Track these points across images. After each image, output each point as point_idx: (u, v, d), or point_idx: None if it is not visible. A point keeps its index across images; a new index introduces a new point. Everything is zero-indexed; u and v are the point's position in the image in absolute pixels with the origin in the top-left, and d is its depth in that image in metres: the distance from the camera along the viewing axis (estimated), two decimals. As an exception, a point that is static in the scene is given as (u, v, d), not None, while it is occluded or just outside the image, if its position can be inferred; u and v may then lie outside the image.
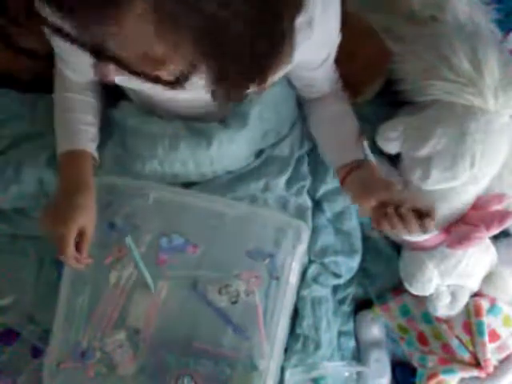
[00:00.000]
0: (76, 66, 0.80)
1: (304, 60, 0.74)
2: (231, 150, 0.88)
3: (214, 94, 0.59)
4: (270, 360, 0.87)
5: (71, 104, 0.85)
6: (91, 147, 0.85)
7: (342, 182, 0.83)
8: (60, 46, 0.75)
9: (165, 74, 0.53)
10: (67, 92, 0.85)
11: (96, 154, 0.86)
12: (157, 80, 0.53)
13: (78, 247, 0.79)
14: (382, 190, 0.74)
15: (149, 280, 0.87)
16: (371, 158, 0.81)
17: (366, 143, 0.82)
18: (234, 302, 0.87)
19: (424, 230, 0.71)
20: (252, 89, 0.58)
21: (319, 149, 0.92)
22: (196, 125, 0.87)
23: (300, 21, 0.62)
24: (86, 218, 0.79)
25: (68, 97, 0.85)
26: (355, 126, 0.87)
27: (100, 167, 0.89)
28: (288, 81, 0.90)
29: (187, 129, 0.87)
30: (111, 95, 0.92)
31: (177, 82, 0.54)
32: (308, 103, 0.92)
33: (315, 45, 0.70)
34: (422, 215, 0.71)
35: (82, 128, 0.84)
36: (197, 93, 0.71)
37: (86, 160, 0.83)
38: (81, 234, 0.79)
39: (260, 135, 0.91)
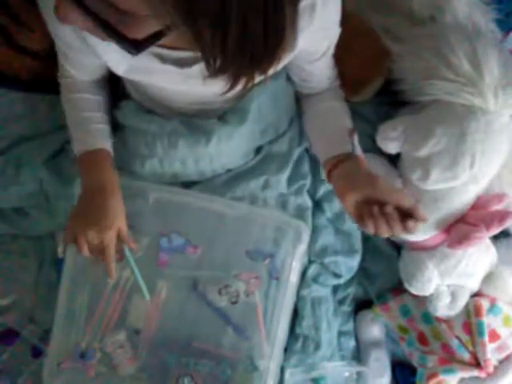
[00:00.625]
0: (78, 63, 0.79)
1: (305, 50, 0.74)
2: (230, 146, 0.88)
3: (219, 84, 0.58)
4: (270, 360, 0.87)
5: (79, 104, 0.84)
6: (107, 145, 0.83)
7: (328, 175, 0.81)
8: (64, 41, 0.73)
9: (131, 30, 0.49)
10: (73, 93, 0.84)
11: (112, 152, 0.85)
12: (120, 35, 0.48)
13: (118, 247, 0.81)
14: (366, 185, 0.72)
15: (144, 288, 0.86)
16: (359, 152, 0.79)
17: (356, 138, 0.80)
18: (234, 303, 0.87)
19: (407, 232, 0.69)
20: (256, 77, 0.57)
21: (312, 145, 0.91)
22: (195, 122, 0.87)
23: (303, 4, 0.63)
24: (120, 220, 0.79)
25: (75, 97, 0.84)
26: (347, 122, 0.85)
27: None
28: (287, 76, 0.90)
29: (186, 126, 0.86)
30: (112, 95, 0.92)
31: (144, 41, 0.50)
32: (305, 99, 0.92)
33: (316, 33, 0.69)
34: (406, 215, 0.69)
35: (94, 127, 0.83)
36: (199, 86, 0.70)
37: (104, 159, 0.82)
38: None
39: (259, 131, 0.91)
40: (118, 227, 0.79)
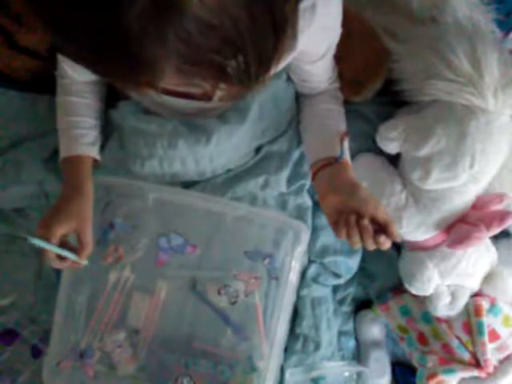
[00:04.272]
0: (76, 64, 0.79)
1: (305, 51, 0.74)
2: (230, 146, 0.88)
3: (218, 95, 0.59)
4: (270, 360, 0.87)
5: (72, 107, 0.84)
6: (90, 151, 0.84)
7: (313, 177, 0.82)
8: None
9: (193, 90, 0.54)
10: (68, 95, 0.84)
11: (98, 156, 0.86)
12: (187, 96, 0.53)
13: (77, 252, 0.78)
14: (346, 191, 0.73)
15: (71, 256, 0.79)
16: (347, 157, 0.80)
17: (347, 143, 0.81)
18: (234, 303, 0.87)
19: (378, 247, 0.69)
20: (256, 81, 0.57)
21: (303, 144, 0.91)
22: (195, 121, 0.86)
23: (304, 5, 0.63)
24: (75, 224, 0.77)
25: (69, 100, 0.84)
26: (341, 126, 0.85)
27: (100, 167, 0.89)
28: (287, 76, 0.89)
29: (186, 126, 0.86)
30: (110, 95, 0.92)
31: (206, 96, 0.56)
32: (303, 98, 0.92)
33: (317, 34, 0.69)
34: (380, 230, 0.69)
35: (80, 132, 0.83)
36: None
37: (83, 165, 0.83)
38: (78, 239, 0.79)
39: (260, 130, 0.91)
40: (67, 230, 0.76)
